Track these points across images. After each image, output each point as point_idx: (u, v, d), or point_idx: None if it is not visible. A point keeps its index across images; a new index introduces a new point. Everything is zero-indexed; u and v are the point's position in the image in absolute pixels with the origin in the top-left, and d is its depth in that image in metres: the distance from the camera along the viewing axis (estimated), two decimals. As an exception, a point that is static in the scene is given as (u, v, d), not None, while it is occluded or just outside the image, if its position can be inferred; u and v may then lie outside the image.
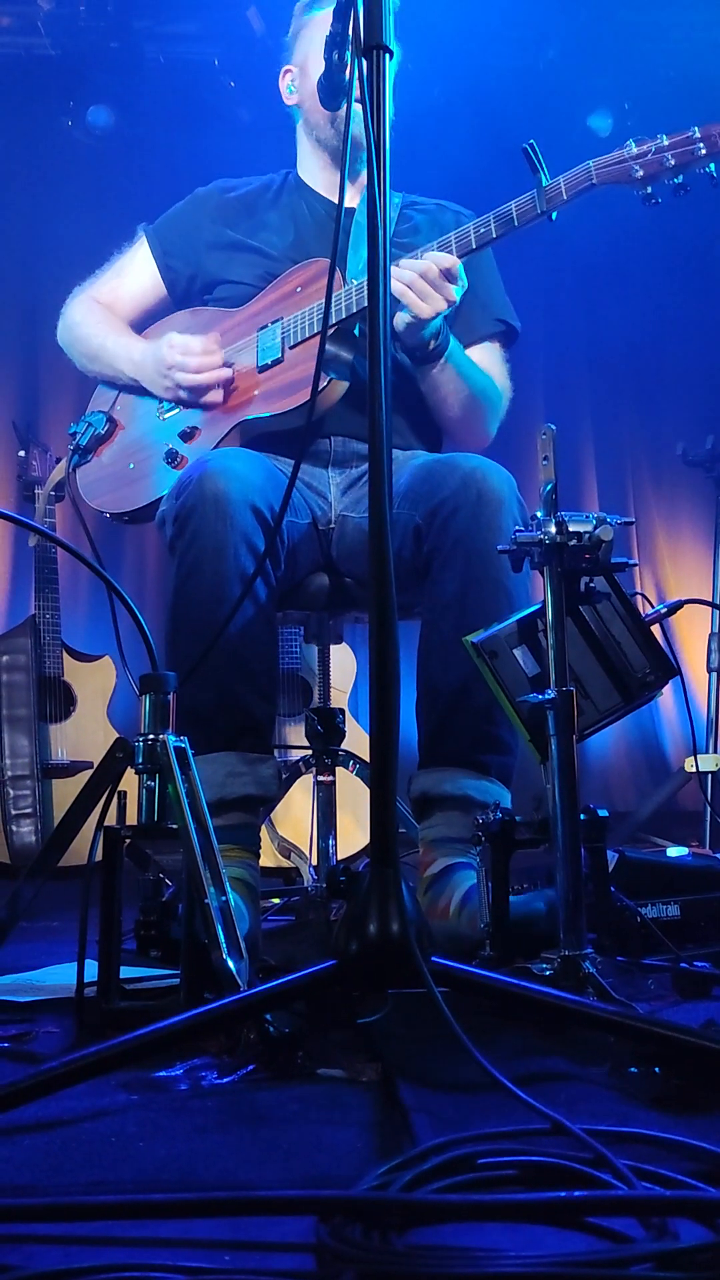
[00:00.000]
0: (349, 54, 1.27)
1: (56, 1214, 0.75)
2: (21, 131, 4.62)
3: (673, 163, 1.76)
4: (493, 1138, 0.85)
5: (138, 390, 2.18)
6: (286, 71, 2.21)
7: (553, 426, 1.38)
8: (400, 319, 1.88)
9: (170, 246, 2.22)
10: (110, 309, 2.25)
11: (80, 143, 4.50)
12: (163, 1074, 1.06)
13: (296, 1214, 0.74)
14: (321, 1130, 0.92)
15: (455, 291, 1.87)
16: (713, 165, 1.75)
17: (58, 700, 2.88)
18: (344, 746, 2.15)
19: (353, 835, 2.66)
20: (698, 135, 1.75)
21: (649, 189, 1.78)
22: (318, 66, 2.12)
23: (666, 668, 1.49)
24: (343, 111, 2.07)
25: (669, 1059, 1.04)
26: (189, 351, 2.05)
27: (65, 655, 2.91)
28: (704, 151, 1.74)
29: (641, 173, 1.77)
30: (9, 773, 2.70)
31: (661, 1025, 1.05)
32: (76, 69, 4.43)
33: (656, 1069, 1.04)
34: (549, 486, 1.36)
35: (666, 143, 1.76)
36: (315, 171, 2.20)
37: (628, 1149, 0.82)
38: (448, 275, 1.85)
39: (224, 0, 4.43)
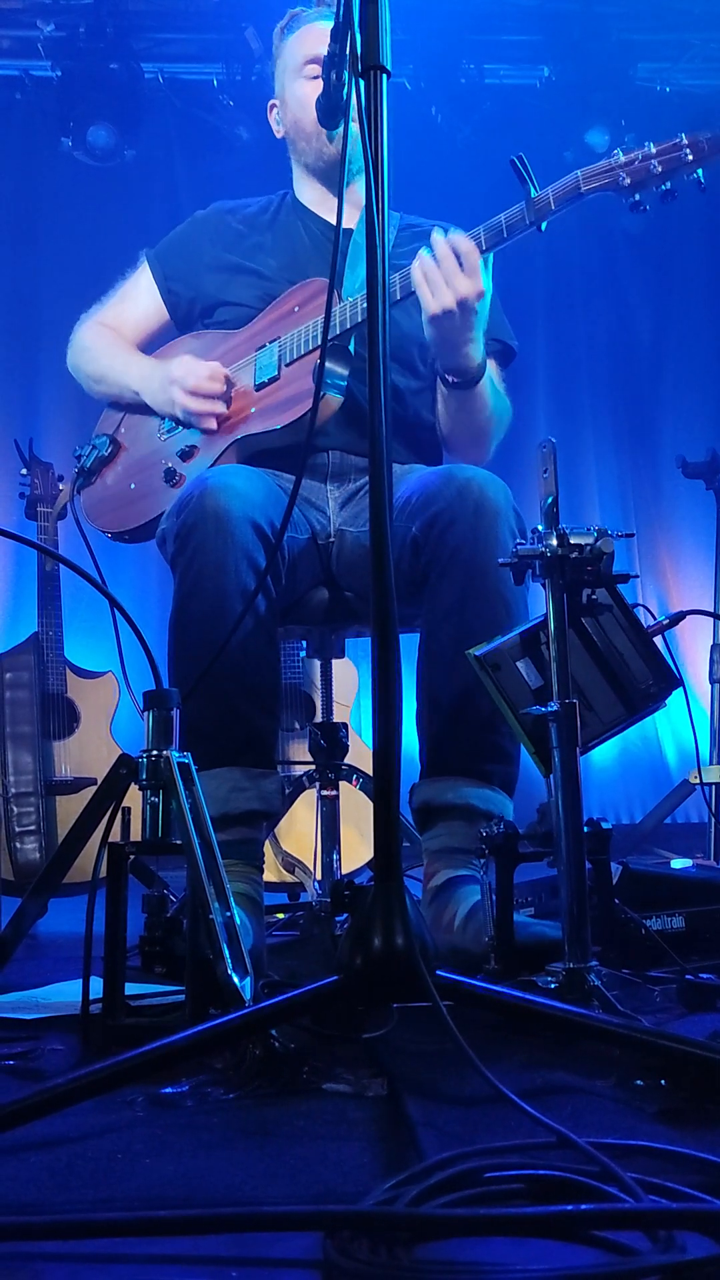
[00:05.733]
0: (346, 74, 1.29)
1: (63, 1232, 0.75)
2: (21, 153, 4.66)
3: (660, 170, 1.77)
4: (499, 1152, 0.85)
5: (143, 410, 2.19)
6: (272, 106, 2.24)
7: (553, 440, 1.39)
8: (427, 329, 1.86)
9: (171, 270, 2.24)
10: (116, 333, 2.26)
11: (80, 164, 4.53)
12: (168, 1090, 1.06)
13: (303, 1230, 0.74)
14: (327, 1145, 0.92)
15: (471, 284, 1.79)
16: (700, 171, 1.76)
17: (61, 717, 2.88)
18: (347, 760, 2.15)
19: (357, 849, 2.65)
20: (685, 142, 1.76)
21: (637, 196, 1.79)
22: (294, 96, 2.17)
23: (669, 679, 1.49)
24: (325, 139, 2.11)
25: (675, 1071, 1.03)
26: (192, 373, 2.06)
27: (68, 672, 2.92)
28: (691, 158, 1.75)
29: (629, 180, 1.78)
30: (12, 790, 2.70)
31: (667, 1037, 1.04)
32: (76, 90, 4.47)
33: (662, 1081, 1.04)
34: (550, 500, 1.37)
35: (654, 150, 1.78)
36: (310, 193, 2.22)
37: (634, 1162, 0.82)
38: (465, 264, 1.81)
39: (222, 21, 4.47)
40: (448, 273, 1.80)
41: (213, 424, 2.06)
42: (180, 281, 2.22)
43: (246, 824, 1.72)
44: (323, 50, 2.06)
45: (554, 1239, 0.71)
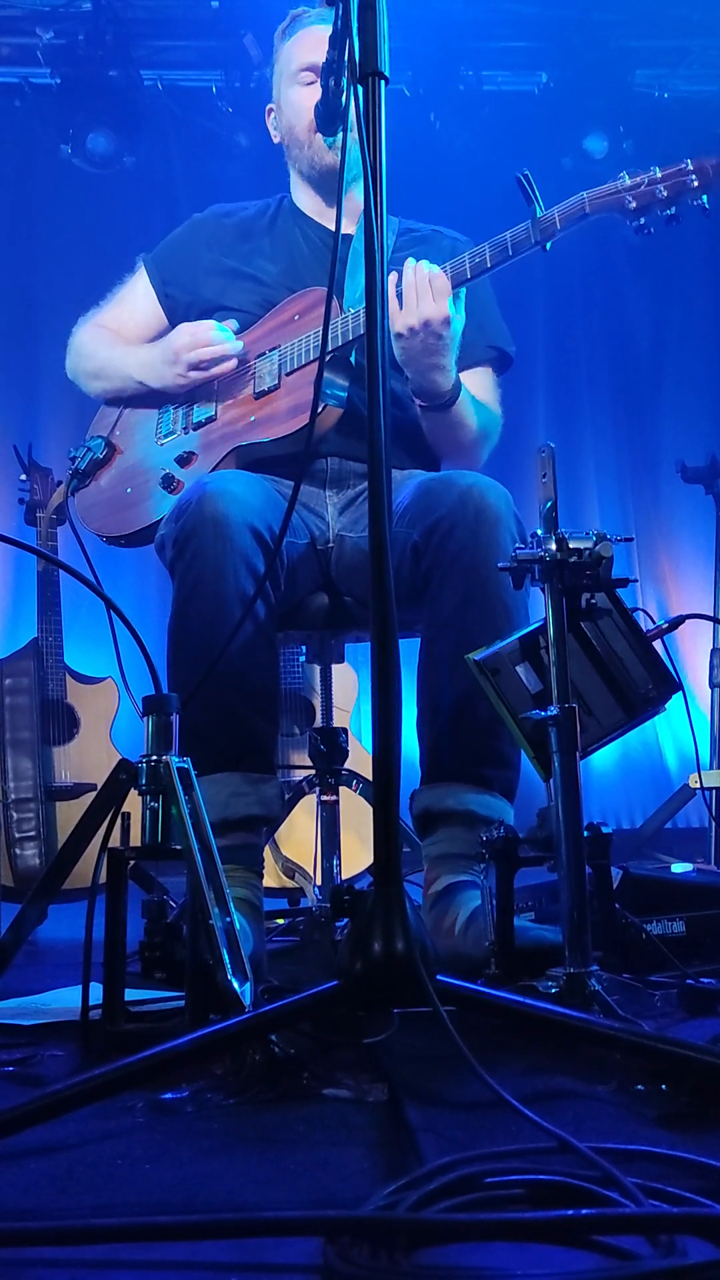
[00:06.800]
0: (345, 81, 1.29)
1: (63, 1238, 0.75)
2: (21, 160, 4.67)
3: (665, 194, 1.78)
4: (499, 1156, 0.85)
5: (142, 404, 2.19)
6: (270, 110, 2.25)
7: (552, 445, 1.39)
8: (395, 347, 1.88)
9: (169, 275, 2.24)
10: (114, 334, 2.26)
11: (79, 170, 4.54)
12: (168, 1096, 1.05)
13: (303, 1235, 0.73)
14: (327, 1151, 0.92)
15: (438, 310, 1.83)
16: (705, 197, 1.77)
17: (61, 723, 2.88)
18: (347, 765, 2.15)
19: (357, 855, 2.65)
20: (690, 167, 1.77)
21: (642, 219, 1.81)
22: (288, 102, 2.17)
23: (669, 683, 1.49)
24: (319, 146, 2.12)
25: (675, 1076, 1.03)
26: (196, 331, 2.07)
27: (68, 678, 2.92)
28: (696, 183, 1.77)
29: (634, 204, 1.79)
30: (12, 795, 2.70)
31: (668, 1042, 1.04)
32: (75, 97, 4.47)
33: (663, 1086, 1.04)
34: (549, 504, 1.37)
35: (659, 175, 1.79)
36: (307, 200, 2.23)
37: (635, 1167, 0.81)
38: (434, 287, 1.83)
39: (221, 28, 4.48)
40: (419, 293, 1.84)
41: (230, 367, 2.05)
42: (177, 286, 2.23)
43: (246, 829, 1.72)
44: (318, 57, 2.07)
45: (554, 1244, 0.71)
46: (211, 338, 2.06)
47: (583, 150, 4.54)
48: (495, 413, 2.12)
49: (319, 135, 2.07)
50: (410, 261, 1.87)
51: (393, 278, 1.85)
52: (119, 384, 2.21)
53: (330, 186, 2.15)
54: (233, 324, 2.10)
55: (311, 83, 2.09)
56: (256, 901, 1.71)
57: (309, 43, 2.11)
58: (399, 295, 1.84)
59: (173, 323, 2.25)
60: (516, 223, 1.85)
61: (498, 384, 2.16)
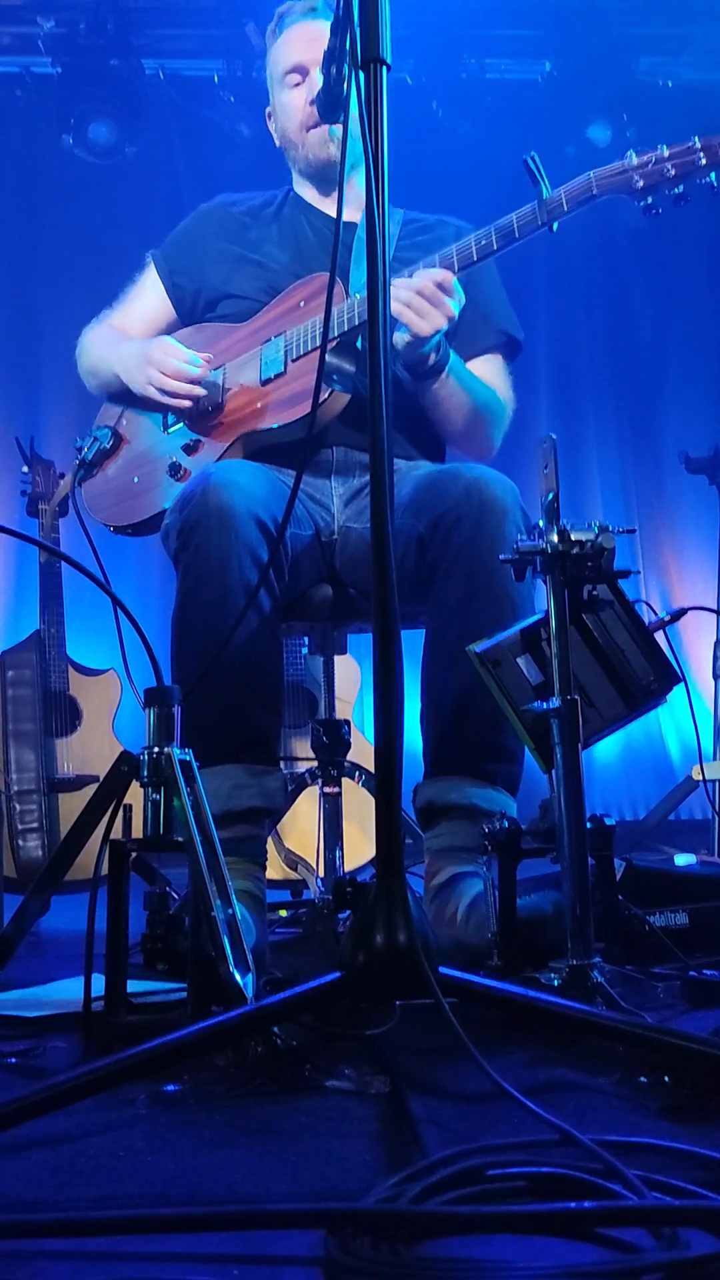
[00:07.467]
0: (346, 68, 1.29)
1: (64, 1229, 0.75)
2: (22, 150, 4.65)
3: (673, 173, 1.77)
4: (502, 1149, 0.84)
5: (128, 401, 2.18)
6: (269, 113, 2.25)
7: (553, 435, 1.39)
8: (399, 338, 1.89)
9: (176, 264, 2.24)
10: (121, 332, 2.26)
11: (81, 161, 4.52)
12: (170, 1088, 1.06)
13: (305, 1227, 0.73)
14: (329, 1143, 0.92)
15: (453, 306, 1.87)
16: (713, 175, 1.76)
17: (63, 715, 2.88)
18: (349, 757, 2.15)
19: (359, 846, 2.65)
20: (698, 146, 1.76)
21: (649, 199, 1.79)
22: (280, 104, 2.18)
23: (670, 675, 1.49)
24: (312, 144, 2.12)
25: (678, 1068, 1.03)
26: (170, 354, 2.05)
27: (70, 670, 2.92)
28: (704, 162, 1.75)
29: (642, 183, 1.78)
30: (15, 787, 2.71)
31: (670, 1034, 1.04)
32: (77, 87, 4.46)
33: (666, 1078, 1.04)
34: (550, 495, 1.37)
35: (667, 153, 1.78)
36: (309, 194, 2.23)
37: (637, 1159, 0.81)
38: (444, 289, 1.85)
39: (223, 17, 4.46)
40: (435, 300, 1.84)
41: (184, 404, 2.05)
42: (185, 275, 2.22)
43: (249, 821, 1.72)
44: (302, 56, 2.09)
45: (557, 1236, 0.71)
46: (181, 369, 2.03)
47: (586, 139, 4.51)
48: (506, 396, 2.12)
49: (311, 133, 2.11)
50: (402, 280, 1.86)
51: (401, 292, 1.83)
52: (107, 379, 2.21)
53: (329, 179, 2.15)
54: (208, 357, 2.08)
55: (298, 84, 2.12)
56: (259, 893, 1.71)
57: (294, 42, 2.13)
58: (412, 307, 1.84)
59: (180, 312, 2.24)
60: (519, 207, 1.84)
61: (509, 370, 2.15)
